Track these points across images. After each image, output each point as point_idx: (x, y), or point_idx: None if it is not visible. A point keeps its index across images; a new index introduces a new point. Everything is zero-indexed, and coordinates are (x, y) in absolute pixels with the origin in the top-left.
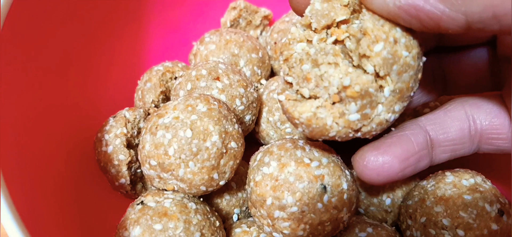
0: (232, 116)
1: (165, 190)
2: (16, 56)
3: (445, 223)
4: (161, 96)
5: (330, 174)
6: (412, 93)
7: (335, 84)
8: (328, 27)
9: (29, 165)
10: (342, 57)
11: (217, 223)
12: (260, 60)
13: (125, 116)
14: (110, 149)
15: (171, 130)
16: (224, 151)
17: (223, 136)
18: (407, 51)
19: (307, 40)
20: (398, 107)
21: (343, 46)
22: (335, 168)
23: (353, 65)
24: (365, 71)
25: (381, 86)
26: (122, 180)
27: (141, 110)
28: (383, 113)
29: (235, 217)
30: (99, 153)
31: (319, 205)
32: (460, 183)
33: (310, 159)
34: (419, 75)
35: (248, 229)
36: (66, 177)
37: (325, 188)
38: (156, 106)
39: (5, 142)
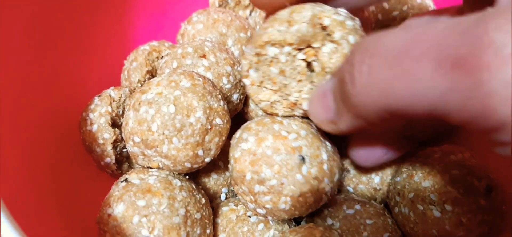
0: (218, 93)
1: (150, 167)
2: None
3: (433, 198)
4: (147, 76)
5: (308, 145)
6: None
7: (294, 97)
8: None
9: (14, 146)
10: (306, 75)
11: (203, 200)
12: (249, 39)
13: (110, 95)
14: (94, 128)
15: (154, 106)
16: (209, 127)
17: (208, 111)
18: None
19: (280, 45)
20: None
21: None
22: (314, 139)
23: (312, 82)
24: None
25: None
26: (107, 159)
27: (127, 89)
28: None
29: (222, 197)
30: (84, 132)
31: (298, 176)
32: (448, 158)
33: (288, 132)
34: None
35: (235, 207)
36: (52, 158)
37: (303, 159)
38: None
39: None
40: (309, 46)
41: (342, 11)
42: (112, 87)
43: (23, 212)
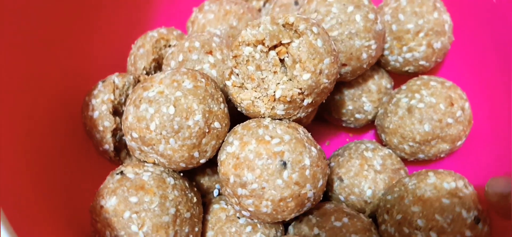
0: (219, 95)
1: (146, 162)
2: (5, 19)
3: (420, 224)
4: (153, 64)
5: (290, 150)
6: (324, 100)
7: (272, 89)
8: (275, 46)
9: (15, 123)
10: (280, 67)
11: (195, 199)
12: None
13: (113, 82)
14: (96, 114)
15: (154, 105)
16: (207, 130)
17: (207, 115)
18: (327, 79)
19: (254, 45)
20: (310, 109)
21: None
22: (297, 144)
23: (287, 76)
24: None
25: (303, 99)
26: (106, 146)
27: (131, 77)
28: (300, 113)
29: (215, 193)
30: (86, 117)
31: (279, 181)
32: (441, 186)
33: (271, 136)
34: (331, 90)
35: (226, 206)
36: (52, 137)
37: (285, 164)
38: (147, 73)
39: None
40: (280, 44)
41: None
42: (117, 74)
43: (21, 190)
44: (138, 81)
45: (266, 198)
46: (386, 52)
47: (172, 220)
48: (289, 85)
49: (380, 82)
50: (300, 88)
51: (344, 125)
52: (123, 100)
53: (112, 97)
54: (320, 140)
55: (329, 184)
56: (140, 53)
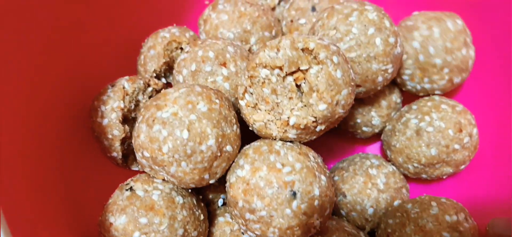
0: (232, 116)
1: (155, 177)
2: (12, 17)
3: None
4: (163, 67)
5: (301, 180)
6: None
7: (287, 114)
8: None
9: (23, 121)
10: (296, 93)
11: (202, 217)
12: (272, 39)
13: (123, 88)
14: (105, 121)
15: (167, 127)
16: (219, 154)
17: (220, 139)
18: (342, 109)
19: (271, 67)
20: (322, 134)
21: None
22: (308, 174)
23: (302, 102)
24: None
25: (316, 126)
26: (114, 154)
27: (141, 81)
28: (311, 137)
29: (220, 202)
30: (94, 122)
31: (288, 210)
32: (443, 218)
33: (283, 164)
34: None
35: (230, 220)
36: (59, 137)
37: (295, 194)
38: (157, 76)
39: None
40: (298, 69)
41: (325, 39)
42: (127, 78)
43: (24, 190)
44: (148, 85)
45: (273, 225)
46: (405, 77)
47: None
48: (304, 113)
49: (390, 97)
50: (315, 117)
51: (350, 136)
52: (132, 107)
53: (121, 104)
54: (324, 146)
55: None
56: (151, 54)
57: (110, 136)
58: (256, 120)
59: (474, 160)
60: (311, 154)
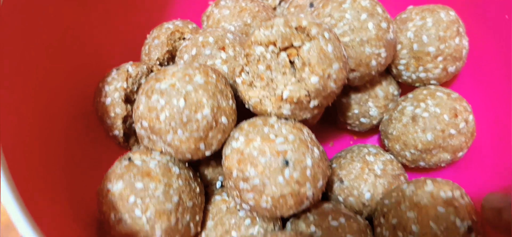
0: (228, 92)
1: (154, 150)
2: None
3: (414, 229)
4: (166, 55)
5: (294, 150)
6: (330, 104)
7: (280, 89)
8: (286, 48)
9: (29, 102)
10: (289, 68)
11: (198, 190)
12: None
13: (127, 71)
14: (108, 100)
15: (165, 97)
16: (214, 124)
17: (215, 110)
18: (334, 84)
19: (266, 45)
20: (316, 111)
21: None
22: (301, 145)
23: (295, 78)
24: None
25: (309, 100)
26: (116, 132)
27: (144, 66)
28: (306, 114)
29: (218, 184)
30: (98, 102)
31: (280, 178)
32: (438, 194)
33: (276, 136)
34: (337, 94)
35: (227, 198)
36: (65, 119)
37: (287, 162)
38: (161, 63)
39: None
40: (291, 45)
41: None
42: (131, 62)
43: (28, 165)
44: (151, 71)
45: (266, 193)
46: (401, 67)
47: (175, 207)
48: (297, 87)
49: (387, 88)
50: (307, 91)
51: (348, 127)
52: (135, 89)
53: (125, 85)
54: (324, 140)
55: (329, 184)
56: (155, 43)
57: (112, 114)
58: (252, 96)
59: (473, 151)
60: (305, 129)
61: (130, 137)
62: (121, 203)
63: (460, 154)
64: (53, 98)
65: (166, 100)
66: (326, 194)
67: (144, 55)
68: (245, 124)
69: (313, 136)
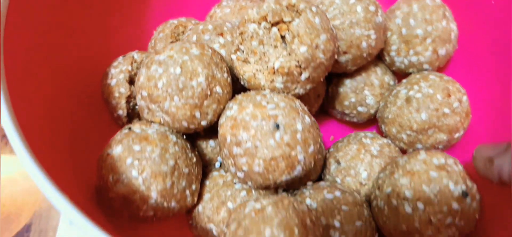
0: (224, 66)
1: (153, 122)
2: None
3: (407, 195)
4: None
5: (284, 115)
6: (321, 80)
7: (272, 61)
8: (277, 22)
9: (40, 85)
10: (280, 42)
11: (194, 159)
12: None
13: (133, 57)
14: (113, 82)
15: (163, 66)
16: (209, 93)
17: (210, 79)
18: (323, 54)
19: (258, 22)
20: (309, 86)
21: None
22: (291, 111)
23: (286, 51)
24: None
25: (301, 72)
26: (120, 112)
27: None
28: (298, 88)
29: (217, 164)
30: (104, 85)
31: (271, 141)
32: (430, 161)
33: (268, 102)
34: (328, 69)
35: (224, 174)
36: (73, 103)
37: (278, 126)
38: None
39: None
40: (282, 21)
41: None
42: (137, 51)
43: (37, 137)
44: None
45: (258, 156)
46: (393, 54)
47: (170, 171)
48: (288, 59)
49: (383, 78)
50: (297, 61)
51: (347, 118)
52: None
53: (129, 68)
54: (324, 134)
55: (326, 167)
56: (160, 37)
57: (117, 94)
58: (246, 70)
59: (470, 135)
60: (298, 101)
61: (133, 118)
62: (119, 164)
63: (457, 135)
64: (64, 82)
65: (164, 69)
66: (324, 178)
67: (150, 48)
68: (239, 95)
69: (305, 108)
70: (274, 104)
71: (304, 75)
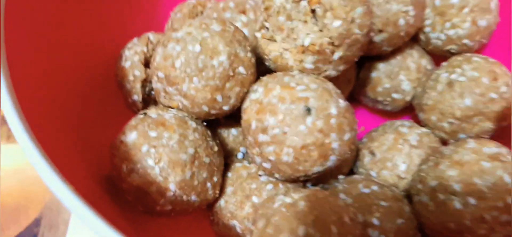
0: (247, 44)
1: (171, 107)
2: None
3: (456, 189)
4: None
5: (316, 97)
6: (355, 60)
7: (301, 38)
8: None
9: (49, 68)
10: (310, 17)
11: (216, 148)
12: None
13: (148, 38)
14: (127, 64)
15: (181, 43)
16: (231, 74)
17: (232, 58)
18: (359, 29)
19: None
20: (342, 67)
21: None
22: (324, 93)
23: (317, 26)
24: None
25: (333, 51)
26: (135, 97)
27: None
28: (330, 69)
29: (240, 155)
30: (118, 68)
31: (302, 127)
32: (481, 150)
33: (297, 83)
34: (364, 49)
35: (248, 165)
36: (86, 92)
37: (309, 109)
38: None
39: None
40: None
41: None
42: (152, 32)
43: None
44: None
45: (287, 144)
46: (427, 29)
47: (190, 160)
48: (319, 35)
49: (419, 61)
50: (330, 37)
51: (380, 106)
52: None
53: (145, 49)
54: None
55: (359, 159)
56: (177, 17)
57: (131, 78)
58: (272, 49)
59: None
60: (330, 83)
61: (149, 104)
62: (134, 152)
63: (505, 123)
64: (74, 65)
65: (182, 46)
66: (357, 171)
67: (167, 30)
68: (264, 77)
69: (339, 91)
70: (305, 85)
71: (337, 54)
